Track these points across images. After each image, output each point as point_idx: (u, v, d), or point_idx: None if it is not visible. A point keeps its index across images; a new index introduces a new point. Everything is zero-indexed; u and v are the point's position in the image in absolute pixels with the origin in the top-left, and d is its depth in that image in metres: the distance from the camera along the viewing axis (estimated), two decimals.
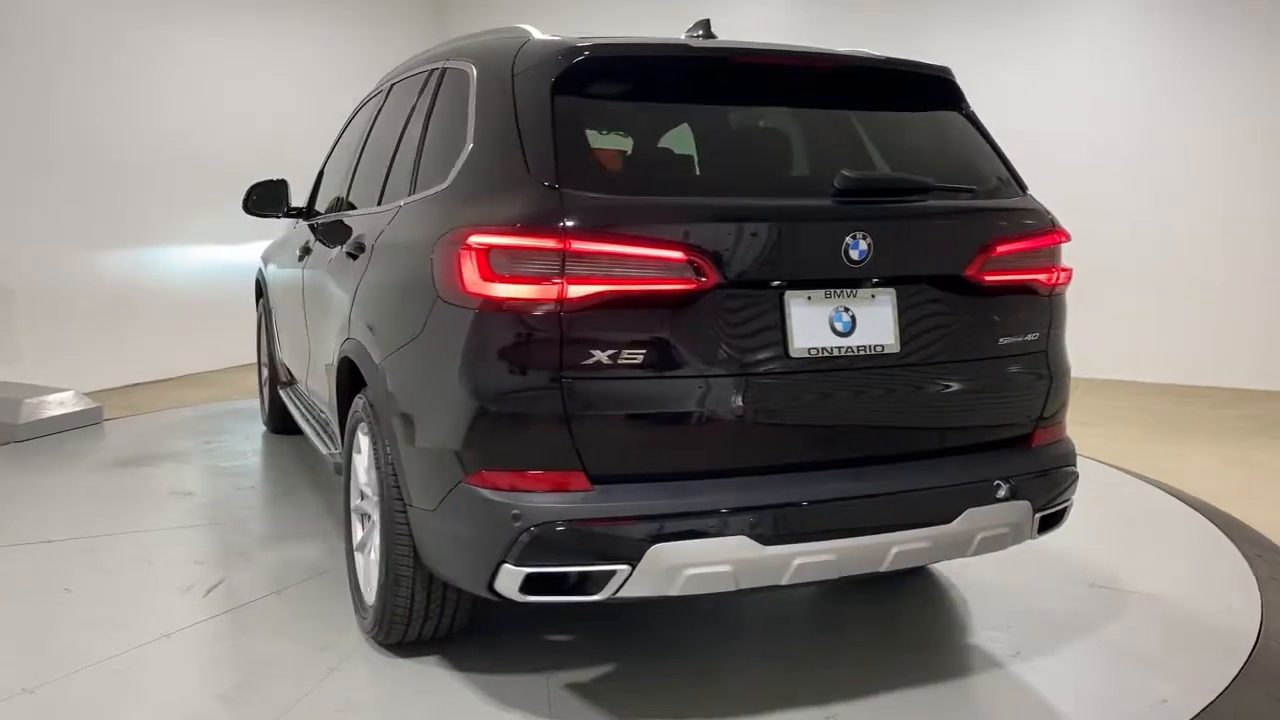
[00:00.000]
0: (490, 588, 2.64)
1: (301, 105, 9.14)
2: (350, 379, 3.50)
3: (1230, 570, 3.98)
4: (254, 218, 5.14)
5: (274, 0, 9.24)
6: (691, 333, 2.62)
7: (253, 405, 6.57)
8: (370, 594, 3.31)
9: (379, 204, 3.69)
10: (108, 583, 3.87)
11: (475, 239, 2.62)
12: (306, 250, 4.51)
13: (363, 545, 3.44)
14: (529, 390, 2.57)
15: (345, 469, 3.59)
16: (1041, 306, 3.07)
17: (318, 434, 4.37)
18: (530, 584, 2.58)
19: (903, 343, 2.81)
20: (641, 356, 2.58)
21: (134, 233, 8.11)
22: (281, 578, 3.87)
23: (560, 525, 2.53)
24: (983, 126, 3.21)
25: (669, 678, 3.11)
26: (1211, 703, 2.93)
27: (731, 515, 2.60)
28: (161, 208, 8.24)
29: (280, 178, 5.13)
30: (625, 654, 3.26)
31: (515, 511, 2.54)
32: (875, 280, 2.78)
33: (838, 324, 2.75)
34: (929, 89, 3.17)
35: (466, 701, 2.96)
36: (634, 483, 2.62)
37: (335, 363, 3.59)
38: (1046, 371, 3.08)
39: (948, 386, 2.90)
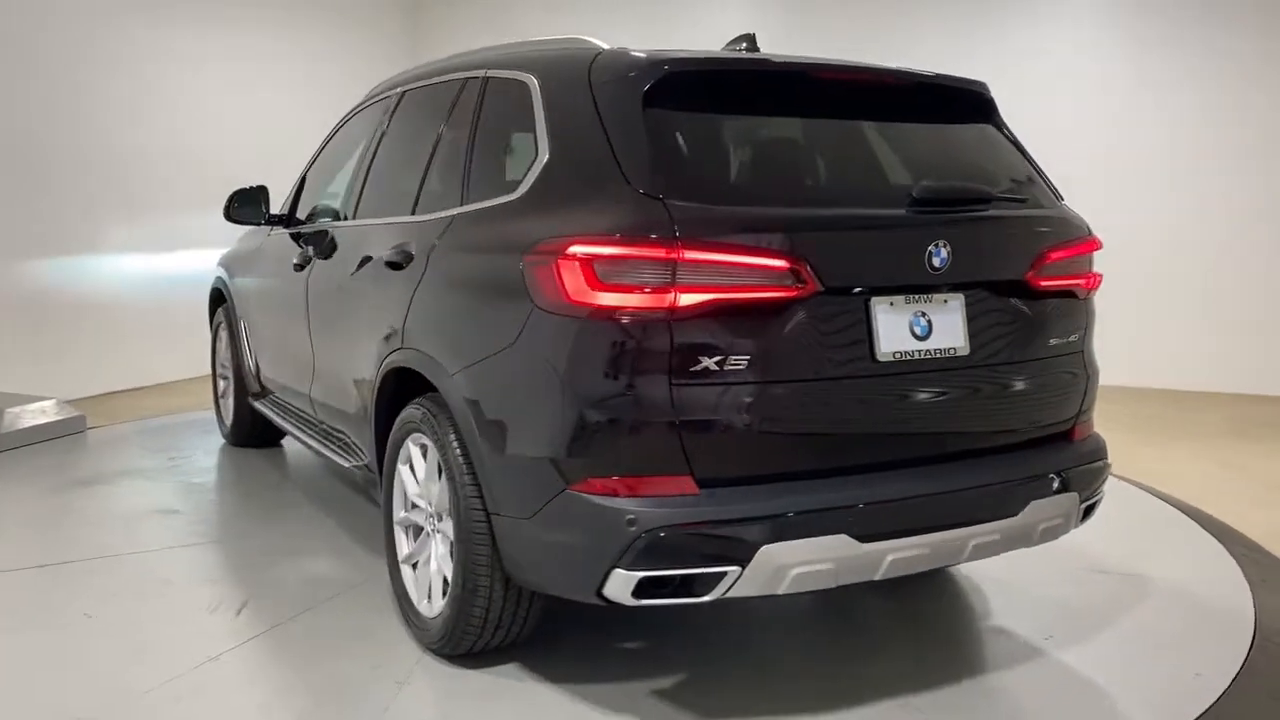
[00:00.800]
0: (598, 593, 2.66)
1: (282, 115, 9.00)
2: (397, 389, 3.46)
3: (1222, 572, 4.05)
4: (234, 225, 5.04)
5: (253, 13, 9.07)
6: (789, 339, 2.69)
7: None
8: (427, 606, 3.29)
9: (413, 213, 3.66)
10: (126, 606, 3.72)
11: (580, 249, 2.64)
12: (306, 260, 4.40)
13: (412, 558, 3.41)
14: (641, 397, 2.61)
15: (386, 481, 3.54)
16: (1080, 309, 3.25)
17: (327, 446, 4.27)
18: (643, 588, 2.61)
19: (971, 345, 2.95)
20: (745, 362, 2.64)
21: (108, 239, 7.91)
22: (309, 594, 3.78)
23: (675, 529, 2.58)
24: (1015, 137, 3.39)
25: (738, 677, 3.18)
26: (1213, 704, 2.99)
27: (832, 514, 2.69)
28: (138, 214, 8.06)
29: (260, 185, 5.03)
30: (693, 656, 3.31)
31: (630, 516, 2.58)
32: (947, 286, 2.92)
33: (916, 328, 2.86)
34: (970, 102, 3.32)
35: (556, 709, 2.96)
36: (737, 485, 2.68)
37: (378, 373, 3.53)
38: (1084, 370, 3.27)
39: (1008, 386, 3.05)
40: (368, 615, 3.61)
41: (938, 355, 2.89)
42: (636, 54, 2.96)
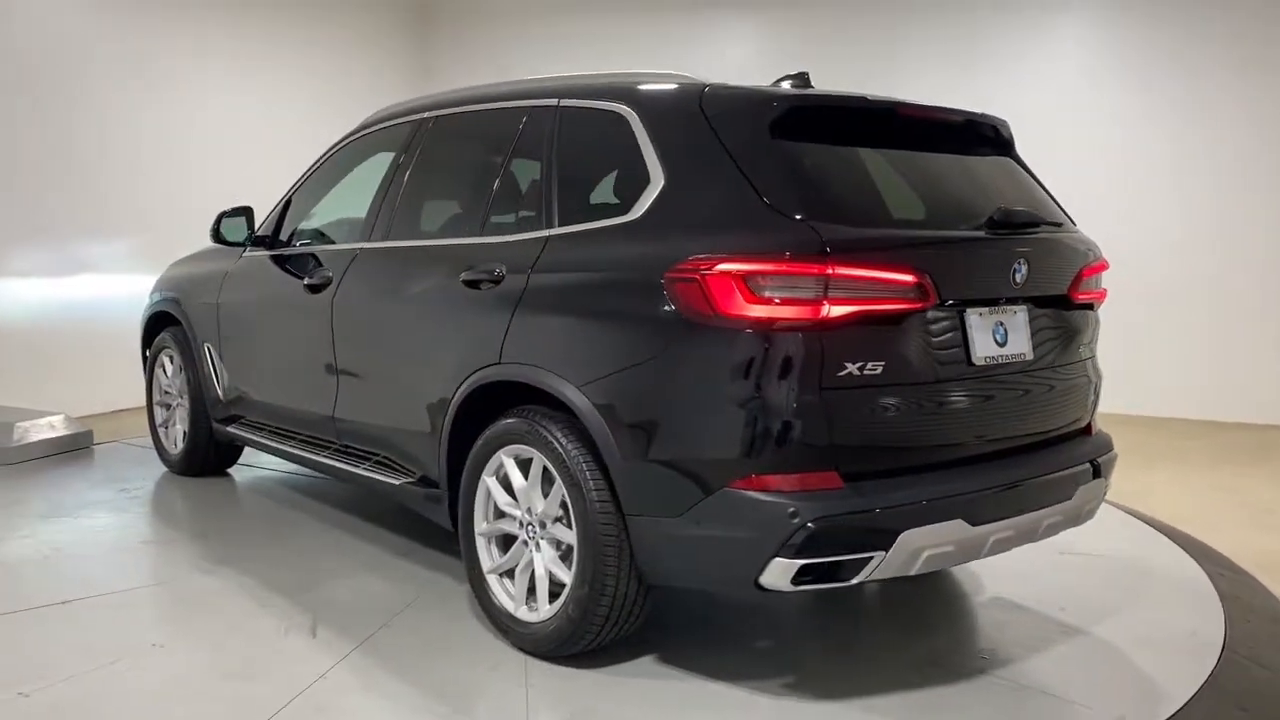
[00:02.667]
0: (756, 582, 2.91)
1: (288, 137, 8.72)
2: (482, 403, 3.57)
3: (1195, 587, 4.20)
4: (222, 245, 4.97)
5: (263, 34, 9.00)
6: (913, 346, 3.04)
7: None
8: (528, 612, 3.42)
9: (481, 234, 3.78)
10: (193, 632, 3.64)
11: (733, 266, 2.89)
12: (325, 280, 4.38)
13: (502, 567, 3.52)
14: (797, 400, 2.88)
15: (465, 494, 3.64)
16: (1095, 321, 3.75)
17: (358, 465, 4.27)
18: (801, 575, 2.88)
19: (1034, 351, 3.38)
20: (881, 368, 2.96)
21: (117, 260, 7.92)
22: (374, 611, 3.81)
23: (831, 520, 2.85)
24: (1029, 167, 3.86)
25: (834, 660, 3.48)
26: (1178, 711, 3.12)
27: (951, 501, 3.03)
28: (149, 233, 8.00)
29: (246, 205, 4.98)
30: (790, 647, 3.58)
31: (792, 509, 2.84)
32: (1017, 299, 3.33)
33: (997, 336, 3.26)
34: (1001, 136, 3.77)
35: (675, 691, 3.18)
36: (872, 479, 2.98)
37: (456, 389, 3.63)
38: (1097, 373, 3.77)
39: (1056, 386, 3.50)
40: (447, 625, 3.70)
41: (1013, 360, 3.30)
42: (757, 89, 3.25)
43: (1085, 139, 8.19)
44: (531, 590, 3.45)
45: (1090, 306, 3.70)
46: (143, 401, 6.11)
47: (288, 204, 4.97)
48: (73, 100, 7.57)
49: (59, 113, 7.48)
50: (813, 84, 3.63)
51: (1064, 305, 3.54)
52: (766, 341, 2.88)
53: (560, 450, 3.25)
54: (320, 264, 4.52)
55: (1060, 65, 8.41)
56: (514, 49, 9.88)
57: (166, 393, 5.83)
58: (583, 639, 3.28)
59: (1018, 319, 3.34)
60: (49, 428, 6.30)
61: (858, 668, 3.44)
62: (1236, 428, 7.74)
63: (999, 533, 3.17)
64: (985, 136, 3.72)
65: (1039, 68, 8.43)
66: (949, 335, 3.14)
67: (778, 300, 2.87)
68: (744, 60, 9.04)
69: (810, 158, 3.16)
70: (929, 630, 3.78)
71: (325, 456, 4.51)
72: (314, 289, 4.47)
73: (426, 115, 4.32)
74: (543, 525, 3.40)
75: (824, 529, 2.85)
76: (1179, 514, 5.28)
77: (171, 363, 5.74)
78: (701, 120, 3.22)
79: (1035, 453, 3.42)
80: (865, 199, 3.23)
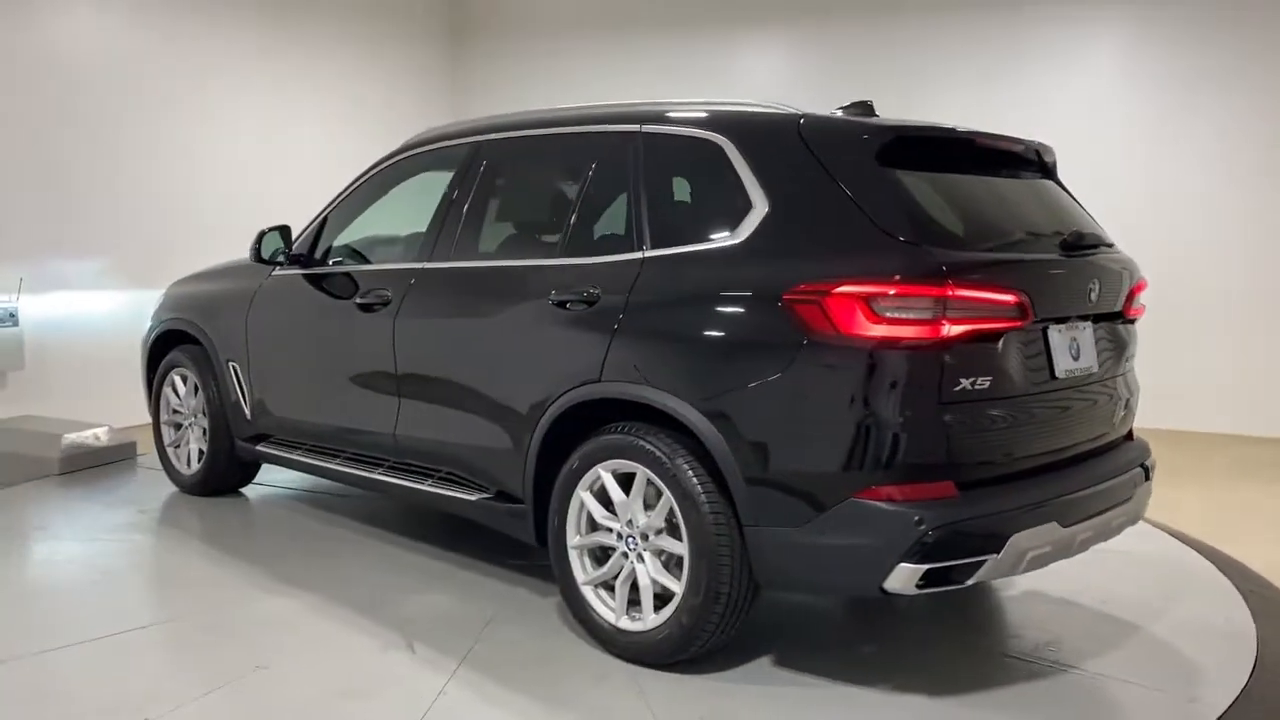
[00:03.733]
0: (880, 587, 3.09)
1: (318, 156, 8.95)
2: (573, 420, 3.68)
3: (1225, 602, 4.26)
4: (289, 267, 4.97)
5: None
6: (1013, 361, 3.26)
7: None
8: (629, 621, 3.54)
9: (564, 255, 3.88)
10: (289, 654, 3.65)
11: (856, 289, 3.07)
12: (383, 300, 4.41)
13: (600, 579, 3.64)
14: (920, 415, 3.08)
15: (557, 508, 3.73)
16: (1135, 334, 4.04)
17: (421, 482, 4.32)
18: (924, 579, 3.07)
19: (1099, 364, 3.64)
20: (989, 383, 3.18)
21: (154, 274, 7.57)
22: (460, 625, 3.88)
23: (952, 526, 3.05)
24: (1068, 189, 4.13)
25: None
26: (1241, 691, 3.30)
27: (1047, 506, 3.27)
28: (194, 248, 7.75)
29: (284, 224, 4.98)
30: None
31: (917, 518, 3.03)
32: (1087, 316, 3.59)
33: (1072, 351, 3.51)
34: (1045, 160, 4.02)
35: (812, 699, 3.34)
36: (979, 487, 3.19)
37: (548, 407, 3.72)
38: (1136, 383, 4.06)
39: (1114, 396, 3.77)
40: (540, 638, 3.79)
41: (1084, 373, 3.55)
42: (852, 121, 3.43)
43: (1109, 153, 8.09)
44: (633, 601, 3.57)
45: (1134, 321, 3.99)
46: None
47: (323, 222, 4.97)
48: (120, 114, 7.67)
49: (107, 128, 7.60)
50: (876, 111, 3.84)
51: (1119, 321, 3.81)
52: (890, 360, 3.06)
53: (671, 465, 3.38)
54: (372, 283, 4.54)
55: (1086, 79, 8.37)
56: (543, 64, 9.97)
57: (177, 412, 5.75)
58: (693, 645, 3.42)
59: (1086, 335, 3.60)
60: (94, 439, 6.48)
61: (949, 665, 3.63)
62: (1258, 442, 7.70)
63: (1083, 533, 3.41)
64: (1038, 161, 3.97)
65: (1065, 81, 8.39)
66: (1037, 351, 3.37)
67: (899, 320, 3.05)
68: (770, 76, 9.29)
69: (909, 184, 3.34)
70: (991, 625, 4.01)
71: (380, 473, 4.53)
72: (368, 308, 4.50)
73: (487, 138, 4.38)
74: (645, 537, 3.52)
75: (945, 536, 3.04)
76: (1203, 528, 5.29)
77: (184, 382, 5.66)
78: (802, 149, 3.39)
79: (1100, 458, 3.68)
80: (961, 223, 3.44)
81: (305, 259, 4.95)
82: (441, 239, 4.37)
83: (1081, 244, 3.58)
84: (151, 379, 5.94)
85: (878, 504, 3.07)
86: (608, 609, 3.64)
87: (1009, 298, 3.20)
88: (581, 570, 3.72)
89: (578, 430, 3.73)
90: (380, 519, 5.25)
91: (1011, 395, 3.27)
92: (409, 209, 4.90)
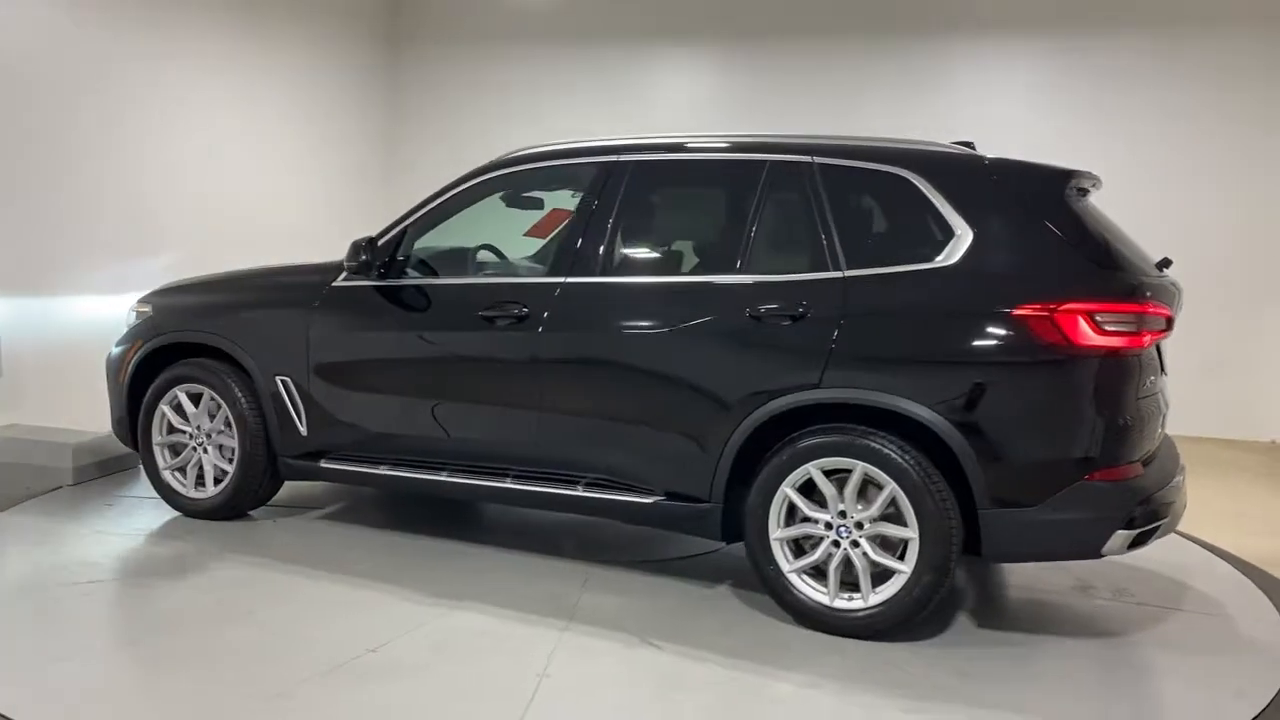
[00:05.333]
0: (1099, 551, 3.78)
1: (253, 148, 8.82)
2: (784, 421, 4.06)
3: (1252, 604, 4.63)
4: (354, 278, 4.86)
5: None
6: (1155, 366, 4.06)
7: None
8: (847, 601, 4.00)
9: (745, 273, 4.23)
10: (568, 665, 3.73)
11: (1081, 306, 3.73)
12: (521, 315, 4.51)
13: (809, 566, 4.06)
14: (1129, 408, 3.81)
15: (759, 505, 4.09)
16: None
17: (573, 489, 4.49)
18: (1133, 542, 3.80)
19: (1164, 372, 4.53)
20: (1150, 382, 3.96)
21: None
22: (615, 625, 4.09)
23: (1151, 497, 3.82)
24: None
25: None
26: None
27: (1174, 485, 4.08)
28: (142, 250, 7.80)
29: (371, 236, 4.89)
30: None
31: (1132, 492, 3.76)
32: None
33: (1158, 360, 4.33)
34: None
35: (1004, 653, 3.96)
36: (1146, 467, 3.96)
37: (754, 413, 4.07)
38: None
39: (1165, 398, 4.63)
40: (756, 626, 4.15)
41: (1163, 375, 4.40)
42: (1040, 163, 4.08)
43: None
44: (843, 583, 4.02)
45: None
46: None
47: (402, 235, 4.91)
48: (71, 117, 7.26)
49: (53, 129, 7.15)
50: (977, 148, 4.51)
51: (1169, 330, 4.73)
52: (1110, 365, 3.77)
53: (900, 460, 3.86)
54: (499, 296, 4.61)
55: (1008, 92, 9.03)
56: (484, 66, 10.18)
57: (178, 432, 5.35)
58: (918, 616, 3.94)
59: (1164, 344, 4.47)
60: (101, 447, 6.27)
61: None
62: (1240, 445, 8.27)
63: (1181, 512, 4.25)
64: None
65: (986, 95, 9.01)
66: (1152, 359, 4.17)
67: (1115, 333, 3.75)
68: (699, 90, 9.81)
69: (1081, 217, 4.04)
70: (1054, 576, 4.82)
71: (509, 482, 4.60)
72: (494, 321, 4.56)
73: (620, 159, 4.58)
74: (859, 526, 3.98)
75: (1149, 506, 3.80)
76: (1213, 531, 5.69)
77: (194, 400, 5.29)
78: (993, 184, 4.00)
79: (1168, 450, 4.55)
80: (1120, 250, 4.16)
81: (383, 270, 4.88)
82: (584, 254, 4.52)
83: (1167, 265, 4.45)
84: (135, 400, 5.47)
85: (1103, 483, 3.77)
86: (818, 591, 4.06)
87: (1166, 312, 3.99)
88: (785, 559, 4.10)
89: (772, 435, 4.11)
90: (449, 529, 5.27)
91: (1152, 394, 4.06)
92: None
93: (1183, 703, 3.71)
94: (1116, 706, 3.63)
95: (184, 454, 5.39)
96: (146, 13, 7.78)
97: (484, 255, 5.25)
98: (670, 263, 4.65)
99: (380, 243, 4.90)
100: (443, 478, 4.78)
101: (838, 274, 4.09)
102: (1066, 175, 4.07)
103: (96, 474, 6.19)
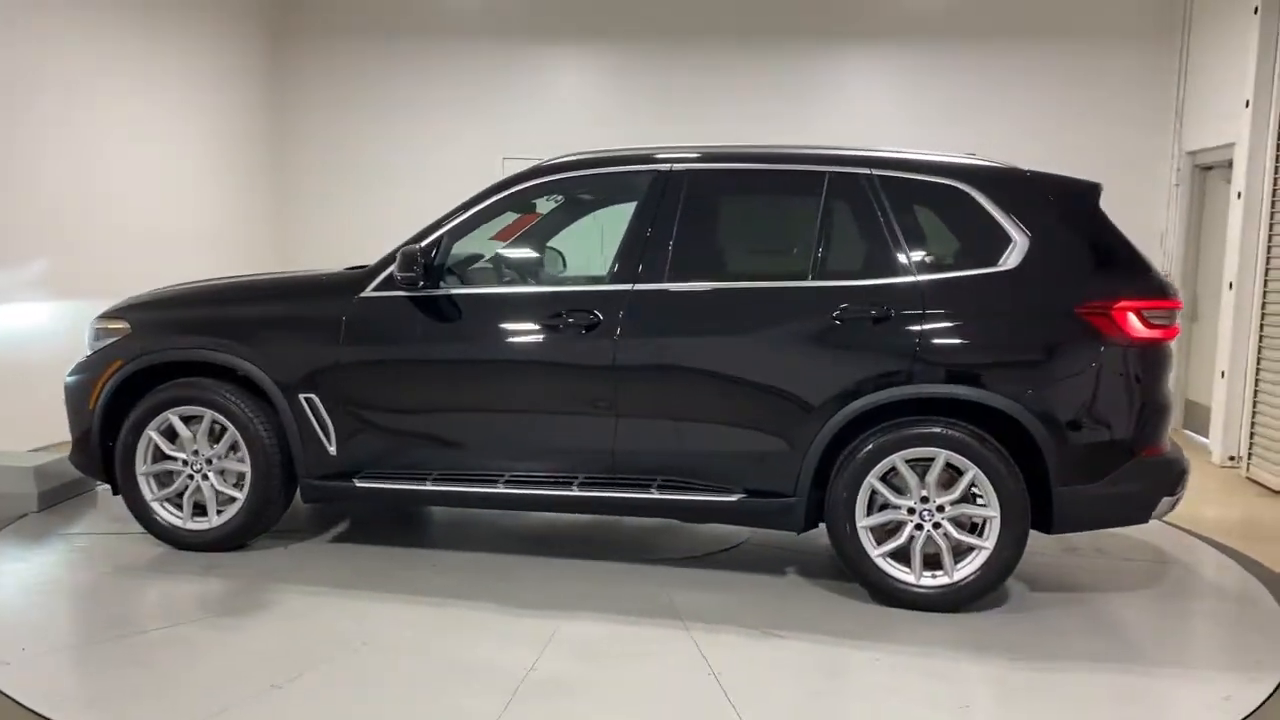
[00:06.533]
0: (1149, 517, 4.37)
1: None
2: (863, 418, 4.38)
3: (1255, 601, 4.82)
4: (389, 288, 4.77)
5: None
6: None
7: None
8: (931, 579, 4.39)
9: (813, 277, 4.51)
10: (616, 677, 3.85)
11: (1133, 303, 4.28)
12: (592, 323, 4.54)
13: (894, 551, 4.40)
14: (1169, 391, 4.40)
15: (846, 496, 4.39)
16: None
17: (659, 490, 4.57)
18: (1174, 507, 4.41)
19: None
20: (1171, 371, 4.59)
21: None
22: (728, 620, 4.28)
23: (1184, 468, 4.44)
24: None
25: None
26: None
27: None
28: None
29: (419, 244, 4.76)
30: None
31: (1177, 464, 4.37)
32: None
33: None
34: None
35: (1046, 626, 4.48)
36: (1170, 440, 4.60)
37: (844, 409, 4.35)
38: None
39: None
40: (854, 609, 4.42)
41: None
42: (1071, 176, 4.58)
43: None
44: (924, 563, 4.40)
45: None
46: None
47: (436, 244, 4.79)
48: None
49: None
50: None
51: None
52: (1158, 354, 4.35)
53: (980, 448, 4.27)
54: (563, 305, 4.62)
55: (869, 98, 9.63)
56: (370, 62, 9.99)
57: (168, 458, 4.94)
58: (995, 587, 4.38)
59: None
60: (61, 469, 5.80)
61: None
62: None
63: None
64: None
65: (852, 96, 9.61)
66: None
67: (1159, 326, 4.34)
68: (578, 90, 9.92)
69: (1113, 223, 4.59)
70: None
71: (575, 489, 4.63)
72: (561, 328, 4.58)
73: (676, 167, 4.69)
74: (940, 509, 4.37)
75: (1183, 475, 4.41)
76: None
77: (189, 423, 4.90)
78: (1041, 195, 4.49)
79: None
80: (1142, 252, 4.73)
81: (422, 279, 4.74)
82: (650, 261, 4.61)
83: None
84: (109, 427, 5.00)
85: (1154, 458, 4.36)
86: (902, 572, 4.41)
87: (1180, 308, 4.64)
88: (870, 544, 4.42)
89: (848, 431, 4.42)
90: (475, 542, 5.21)
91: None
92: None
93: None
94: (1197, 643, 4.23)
95: (177, 483, 4.98)
96: (27, 12, 7.06)
97: (516, 260, 5.22)
98: (740, 269, 4.84)
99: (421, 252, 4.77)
100: (499, 489, 4.73)
101: (911, 279, 4.44)
102: (1096, 187, 4.61)
103: (62, 498, 5.82)
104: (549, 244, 5.48)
